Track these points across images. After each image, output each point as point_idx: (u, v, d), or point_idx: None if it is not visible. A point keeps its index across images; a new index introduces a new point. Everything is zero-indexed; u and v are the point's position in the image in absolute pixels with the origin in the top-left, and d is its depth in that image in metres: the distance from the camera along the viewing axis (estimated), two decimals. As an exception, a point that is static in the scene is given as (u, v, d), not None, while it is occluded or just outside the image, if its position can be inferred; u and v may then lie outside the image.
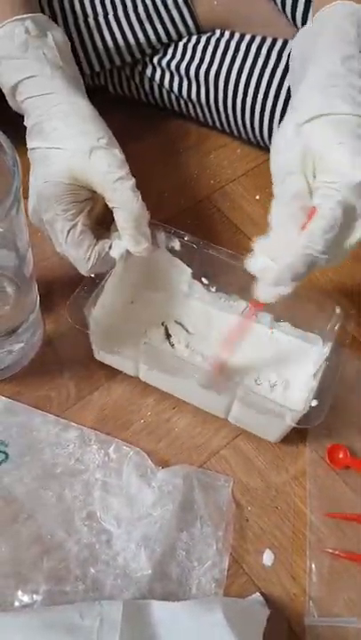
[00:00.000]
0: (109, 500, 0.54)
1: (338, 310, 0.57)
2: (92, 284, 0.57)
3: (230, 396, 0.55)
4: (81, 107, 0.56)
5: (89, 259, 0.55)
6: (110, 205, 0.55)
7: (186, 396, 0.60)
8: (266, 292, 0.51)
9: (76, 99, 0.56)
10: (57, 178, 0.54)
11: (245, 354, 0.60)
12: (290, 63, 0.60)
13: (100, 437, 0.57)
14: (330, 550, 0.53)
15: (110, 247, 0.57)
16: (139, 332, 0.61)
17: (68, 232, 0.55)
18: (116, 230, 0.57)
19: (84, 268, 0.56)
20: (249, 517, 0.55)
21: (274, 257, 0.50)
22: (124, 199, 0.54)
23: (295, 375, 0.59)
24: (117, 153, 0.54)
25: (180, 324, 0.63)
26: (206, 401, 0.59)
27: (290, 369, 0.60)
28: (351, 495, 0.56)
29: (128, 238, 0.56)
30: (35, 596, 0.50)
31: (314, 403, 0.52)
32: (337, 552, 0.53)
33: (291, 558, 0.53)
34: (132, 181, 0.54)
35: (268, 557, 0.53)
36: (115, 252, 0.57)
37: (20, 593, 0.50)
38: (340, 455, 0.57)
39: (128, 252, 0.57)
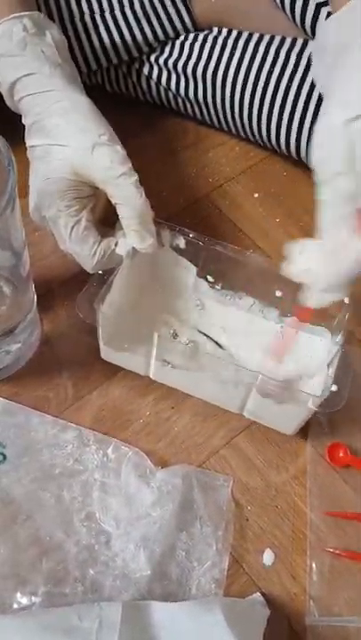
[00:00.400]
0: (108, 501, 0.53)
1: (347, 300, 0.57)
2: (101, 280, 0.56)
3: (246, 388, 0.55)
4: (81, 103, 0.55)
5: (94, 255, 0.55)
6: (114, 202, 0.55)
7: (199, 392, 0.59)
8: (318, 298, 0.51)
9: (75, 95, 0.56)
10: (59, 174, 0.53)
11: (253, 350, 0.60)
12: (313, 50, 0.58)
13: (98, 438, 0.57)
14: (330, 549, 0.53)
15: (116, 245, 0.56)
16: (147, 328, 0.61)
17: (72, 228, 0.54)
18: (122, 228, 0.56)
19: (89, 265, 0.56)
20: (249, 517, 0.55)
21: (324, 261, 0.49)
22: (128, 195, 0.54)
23: (304, 369, 0.59)
24: (119, 149, 0.54)
25: (186, 322, 0.62)
26: (221, 396, 0.58)
27: (299, 363, 0.60)
28: (351, 494, 0.56)
29: (133, 234, 0.55)
30: (33, 597, 0.50)
31: (334, 387, 0.51)
32: (337, 551, 0.53)
33: (291, 558, 0.53)
34: (135, 177, 0.54)
35: (268, 557, 0.53)
36: (121, 250, 0.56)
37: (18, 595, 0.50)
38: (341, 454, 0.57)
39: (134, 249, 0.56)
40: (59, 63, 0.57)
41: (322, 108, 0.51)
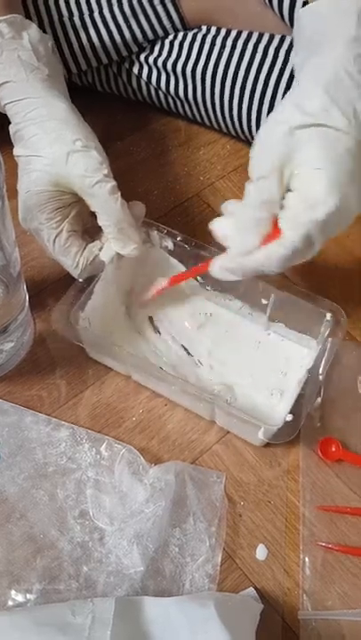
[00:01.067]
0: (102, 498, 0.54)
1: (328, 317, 0.57)
2: (80, 288, 0.57)
3: (210, 403, 0.55)
4: (57, 109, 0.55)
5: (77, 265, 0.56)
6: (92, 209, 0.55)
7: (176, 400, 0.60)
8: (218, 271, 0.52)
9: (52, 100, 0.55)
10: (39, 187, 0.54)
11: (240, 354, 0.61)
12: (295, 33, 0.57)
13: (91, 436, 0.57)
14: (323, 544, 0.53)
15: (101, 249, 0.57)
16: (132, 331, 0.61)
17: (54, 240, 0.55)
18: None
19: (75, 274, 0.57)
20: (242, 512, 0.55)
21: (231, 252, 0.51)
22: (103, 203, 0.54)
23: (290, 378, 0.59)
24: (95, 154, 0.54)
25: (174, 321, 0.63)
26: (193, 406, 0.59)
27: (284, 371, 0.60)
28: (344, 488, 0.56)
29: (114, 242, 0.56)
30: (28, 595, 0.50)
31: (289, 417, 0.52)
32: (330, 545, 0.53)
33: (284, 552, 0.53)
34: (110, 184, 0.54)
35: (261, 552, 0.53)
36: (104, 255, 0.57)
37: (13, 592, 0.50)
38: (333, 448, 0.57)
39: (119, 253, 0.57)
40: (36, 66, 0.56)
41: (279, 105, 0.51)
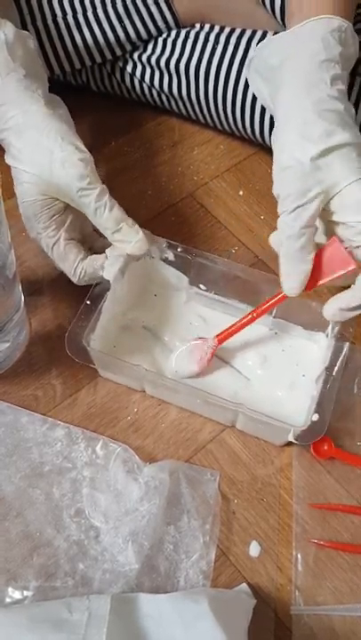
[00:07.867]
0: (97, 497, 0.54)
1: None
2: (89, 310, 0.57)
3: (235, 410, 0.56)
4: (34, 115, 0.55)
5: (74, 273, 0.56)
6: (86, 215, 0.56)
7: (194, 409, 0.60)
8: (334, 315, 0.53)
9: (28, 106, 0.55)
10: (30, 197, 0.55)
11: (251, 355, 0.62)
12: (257, 61, 0.58)
13: (87, 435, 0.58)
14: (315, 540, 0.54)
15: (103, 266, 0.57)
16: (142, 347, 0.61)
17: (53, 248, 0.56)
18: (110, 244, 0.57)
19: (74, 280, 0.58)
20: (235, 510, 0.56)
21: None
22: (93, 210, 0.54)
23: (305, 376, 0.60)
24: (77, 162, 0.53)
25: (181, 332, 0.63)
26: (212, 413, 0.59)
27: (297, 370, 0.61)
28: (336, 486, 0.57)
29: (115, 244, 0.56)
30: (25, 592, 0.51)
31: (315, 417, 0.53)
32: (322, 542, 0.54)
33: (277, 549, 0.54)
34: (96, 191, 0.54)
35: (254, 549, 0.54)
36: (108, 274, 0.57)
37: (10, 589, 0.51)
38: (325, 447, 0.58)
39: (122, 270, 0.57)
40: (12, 68, 0.55)
41: (282, 137, 0.52)
